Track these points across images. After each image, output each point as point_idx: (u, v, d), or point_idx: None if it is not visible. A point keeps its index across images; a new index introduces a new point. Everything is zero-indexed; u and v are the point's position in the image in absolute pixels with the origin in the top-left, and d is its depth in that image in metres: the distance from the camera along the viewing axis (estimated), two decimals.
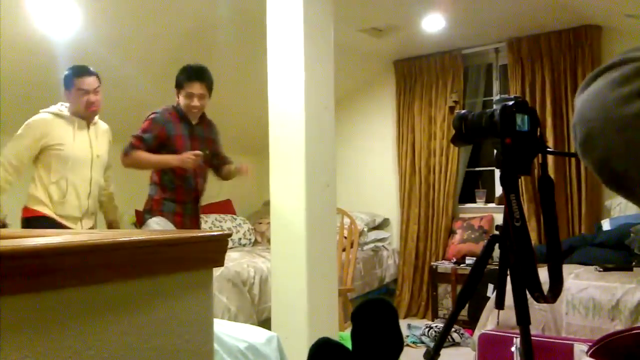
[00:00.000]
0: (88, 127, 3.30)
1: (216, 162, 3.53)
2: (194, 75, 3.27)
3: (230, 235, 1.28)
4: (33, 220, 3.12)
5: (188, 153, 3.15)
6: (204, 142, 3.38)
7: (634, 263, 3.75)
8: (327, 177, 3.30)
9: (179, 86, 3.29)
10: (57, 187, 3.17)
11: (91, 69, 3.26)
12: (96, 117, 3.36)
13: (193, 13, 3.97)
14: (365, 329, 1.67)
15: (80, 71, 3.22)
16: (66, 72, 3.25)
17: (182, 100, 3.28)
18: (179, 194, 3.29)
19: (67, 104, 3.26)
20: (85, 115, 3.26)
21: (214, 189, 3.73)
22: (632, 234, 3.91)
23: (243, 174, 3.52)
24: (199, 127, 3.38)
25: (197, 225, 3.44)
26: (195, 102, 3.26)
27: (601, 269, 3.63)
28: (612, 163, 0.63)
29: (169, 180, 3.28)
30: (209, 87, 3.33)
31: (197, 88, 3.26)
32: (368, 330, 1.67)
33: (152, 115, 3.28)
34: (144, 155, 3.20)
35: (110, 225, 3.60)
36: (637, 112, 0.60)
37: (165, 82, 3.51)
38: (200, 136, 3.36)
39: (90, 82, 3.21)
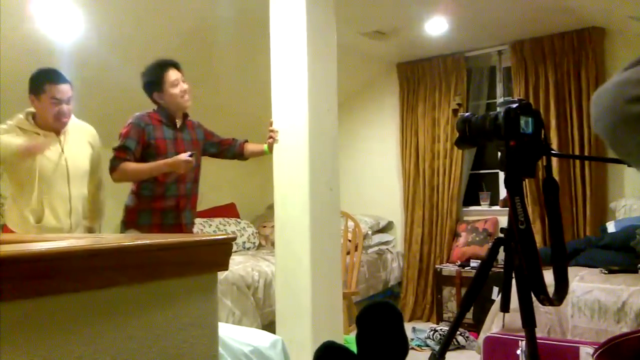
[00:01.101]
0: (59, 138, 2.96)
1: (220, 150, 3.40)
2: (165, 64, 3.10)
3: (234, 239, 1.28)
4: None
5: (180, 156, 2.96)
6: (191, 145, 3.21)
7: (639, 265, 3.74)
8: (330, 180, 3.30)
9: (158, 82, 3.09)
10: (32, 211, 2.87)
11: (64, 76, 2.93)
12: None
13: (194, 14, 3.98)
14: (370, 332, 1.67)
15: (54, 77, 2.89)
16: (34, 74, 2.89)
17: (170, 92, 3.08)
18: (157, 202, 3.07)
19: (25, 114, 2.92)
20: (54, 127, 2.94)
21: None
22: (637, 236, 3.90)
23: (275, 141, 3.29)
24: (184, 130, 3.21)
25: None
26: (184, 86, 3.11)
27: (606, 271, 3.62)
28: (618, 148, 0.69)
29: (147, 188, 3.07)
30: (182, 73, 3.16)
31: (176, 73, 3.10)
32: (373, 333, 1.67)
33: (130, 120, 3.06)
34: (132, 165, 2.99)
35: (89, 231, 3.30)
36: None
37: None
38: (186, 139, 3.19)
39: (64, 90, 2.90)
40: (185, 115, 3.24)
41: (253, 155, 3.46)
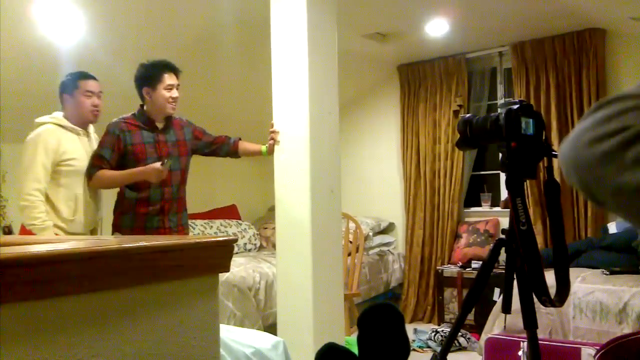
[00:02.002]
0: (87, 135, 3.15)
1: (213, 148, 3.36)
2: (168, 65, 3.11)
3: (235, 240, 1.28)
4: None
5: (152, 165, 2.97)
6: (176, 146, 3.17)
7: None
8: (332, 182, 3.30)
9: (155, 81, 3.07)
10: (66, 205, 2.99)
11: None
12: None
13: (197, 21, 3.99)
14: (371, 334, 1.67)
15: (84, 74, 3.12)
16: (67, 77, 3.12)
17: (161, 93, 3.07)
18: (141, 206, 3.06)
19: (61, 114, 3.09)
20: (88, 119, 3.11)
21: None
22: (639, 237, 3.90)
23: (277, 143, 3.28)
24: (167, 131, 3.16)
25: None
26: (176, 93, 3.10)
27: (608, 272, 3.61)
28: (591, 197, 0.69)
29: (131, 192, 3.08)
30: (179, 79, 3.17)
31: (174, 78, 3.10)
32: (374, 335, 1.67)
33: (106, 128, 3.10)
34: (107, 174, 3.02)
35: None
36: (607, 150, 0.64)
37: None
38: (170, 141, 3.14)
39: (95, 85, 3.11)
40: (168, 117, 3.19)
41: (248, 153, 3.44)
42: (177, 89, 3.12)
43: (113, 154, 3.05)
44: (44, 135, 2.96)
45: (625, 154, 0.62)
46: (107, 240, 1.33)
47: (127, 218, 3.09)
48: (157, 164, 2.96)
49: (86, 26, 3.68)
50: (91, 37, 3.75)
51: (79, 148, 3.06)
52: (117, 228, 3.11)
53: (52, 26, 3.58)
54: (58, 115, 3.07)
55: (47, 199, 2.96)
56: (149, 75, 3.10)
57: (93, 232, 3.23)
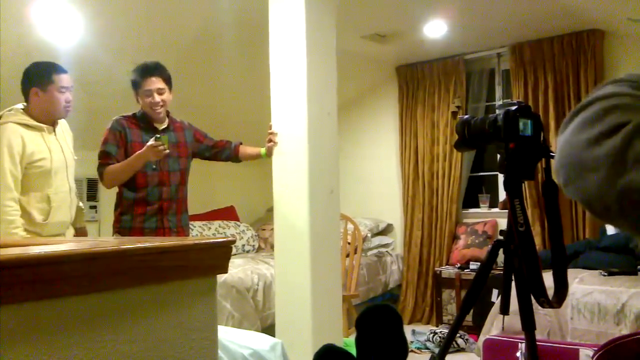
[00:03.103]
0: (54, 131, 2.96)
1: (214, 152, 3.35)
2: (147, 70, 3.06)
3: (234, 241, 1.27)
4: None
5: (146, 145, 2.91)
6: (175, 147, 3.15)
7: (639, 267, 3.74)
8: (330, 183, 3.30)
9: (136, 86, 3.08)
10: (38, 209, 2.84)
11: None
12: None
13: (196, 21, 3.99)
14: (369, 335, 1.67)
15: (57, 68, 2.92)
16: (36, 68, 2.90)
17: (142, 101, 3.08)
18: (139, 206, 3.05)
19: (21, 106, 2.90)
20: (60, 116, 2.97)
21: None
22: (637, 238, 3.90)
23: (275, 145, 3.27)
24: (167, 133, 3.12)
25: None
26: (156, 98, 3.04)
27: (606, 273, 3.62)
28: (592, 205, 0.67)
29: (128, 192, 3.06)
30: (167, 81, 3.10)
31: (153, 83, 3.04)
32: (372, 336, 1.67)
33: (108, 126, 3.07)
34: (112, 168, 3.00)
35: (80, 233, 3.27)
36: (606, 151, 0.63)
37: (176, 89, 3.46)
38: (169, 142, 3.06)
39: (68, 79, 2.93)
40: (170, 118, 3.19)
41: (248, 158, 3.45)
42: (159, 94, 3.06)
43: (119, 149, 3.03)
44: (7, 136, 2.75)
45: (627, 153, 0.61)
46: (106, 241, 1.33)
47: (126, 218, 3.07)
48: (151, 140, 2.92)
49: (86, 26, 3.68)
50: (91, 37, 3.75)
51: (43, 146, 2.86)
52: (116, 228, 3.11)
53: (52, 26, 3.58)
54: (18, 109, 2.88)
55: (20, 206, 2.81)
56: (133, 80, 3.10)
57: (74, 225, 3.15)
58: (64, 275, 0.88)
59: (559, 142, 0.71)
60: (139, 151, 2.95)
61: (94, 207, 4.84)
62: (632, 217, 0.63)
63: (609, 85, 0.70)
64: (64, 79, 2.92)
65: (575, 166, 0.67)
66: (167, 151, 2.95)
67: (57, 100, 2.90)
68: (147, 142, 3.02)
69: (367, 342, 1.66)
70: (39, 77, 2.90)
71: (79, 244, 1.08)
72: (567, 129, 0.69)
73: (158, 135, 2.94)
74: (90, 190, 4.78)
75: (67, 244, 1.09)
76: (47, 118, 2.93)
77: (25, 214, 2.82)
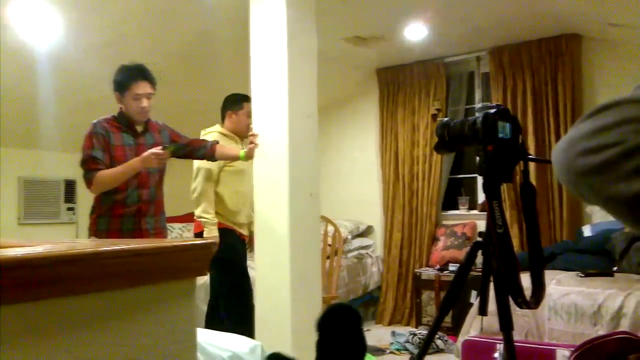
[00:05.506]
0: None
1: (188, 150, 3.31)
2: (139, 74, 3.01)
3: (214, 243, 1.27)
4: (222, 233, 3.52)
5: (151, 150, 2.90)
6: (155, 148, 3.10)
7: (615, 268, 3.78)
8: (310, 186, 3.30)
9: (123, 88, 3.01)
10: (231, 200, 3.65)
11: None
12: None
13: (193, 23, 3.95)
14: (328, 336, 1.68)
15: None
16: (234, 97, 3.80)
17: (128, 104, 3.02)
18: (117, 209, 3.00)
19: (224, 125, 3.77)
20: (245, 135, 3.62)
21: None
22: (613, 240, 3.95)
23: (256, 146, 3.27)
24: (146, 135, 3.12)
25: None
26: (145, 103, 3.01)
27: (583, 275, 3.66)
28: (586, 199, 0.71)
29: (107, 195, 3.00)
30: (154, 86, 3.07)
31: (144, 87, 3.00)
32: (331, 337, 1.68)
33: (89, 130, 3.00)
34: (106, 173, 2.94)
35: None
36: (597, 163, 0.66)
37: (169, 90, 3.41)
38: (149, 144, 3.06)
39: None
40: (146, 120, 3.15)
41: (225, 157, 3.44)
42: (147, 99, 3.03)
43: (105, 153, 2.97)
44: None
45: (618, 168, 0.64)
46: (82, 243, 1.32)
47: (102, 221, 3.03)
48: (157, 148, 2.91)
49: (85, 27, 3.64)
50: (91, 37, 3.71)
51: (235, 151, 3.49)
52: (93, 232, 3.06)
53: (52, 27, 3.53)
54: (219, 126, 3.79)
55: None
56: (119, 81, 3.04)
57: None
58: (39, 278, 0.87)
59: (569, 134, 0.72)
60: (139, 157, 2.92)
61: (72, 209, 4.78)
62: (619, 218, 0.68)
63: (635, 91, 0.70)
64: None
65: (569, 167, 0.70)
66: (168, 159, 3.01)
67: (244, 121, 3.74)
68: (129, 145, 3.00)
69: (326, 344, 1.67)
70: (233, 102, 3.81)
71: (54, 246, 1.06)
72: (581, 125, 0.71)
73: (167, 145, 2.95)
74: (67, 192, 4.72)
75: (42, 247, 1.07)
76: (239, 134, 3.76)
77: (221, 203, 3.69)
